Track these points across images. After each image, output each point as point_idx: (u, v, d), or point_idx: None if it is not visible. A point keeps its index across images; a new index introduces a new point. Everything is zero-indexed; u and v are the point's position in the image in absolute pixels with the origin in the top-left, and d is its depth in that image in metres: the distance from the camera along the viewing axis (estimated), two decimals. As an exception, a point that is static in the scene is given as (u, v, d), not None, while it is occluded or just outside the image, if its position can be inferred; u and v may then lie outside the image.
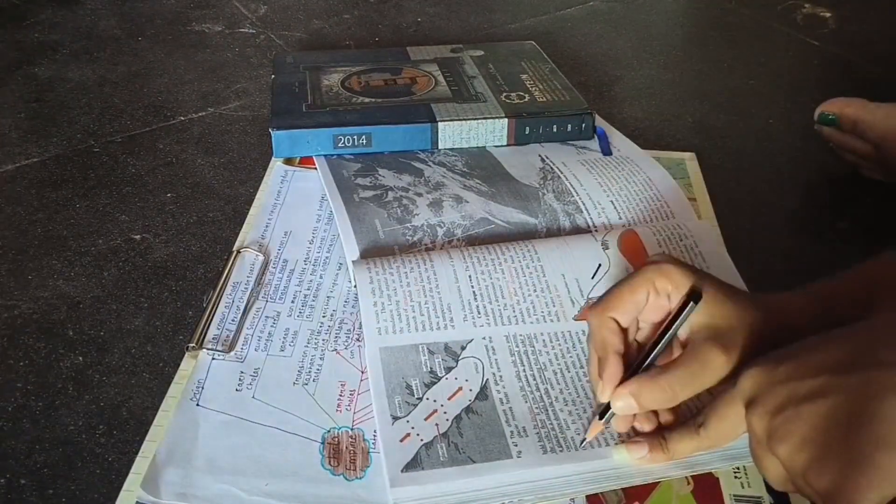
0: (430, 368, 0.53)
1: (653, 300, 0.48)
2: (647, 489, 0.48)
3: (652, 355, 0.48)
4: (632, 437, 0.49)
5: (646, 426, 0.49)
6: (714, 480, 0.48)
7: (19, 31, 1.02)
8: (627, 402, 0.47)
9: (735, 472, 0.49)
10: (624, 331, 0.49)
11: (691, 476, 0.49)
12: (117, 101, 0.88)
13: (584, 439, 0.49)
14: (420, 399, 0.51)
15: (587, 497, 0.47)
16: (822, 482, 0.37)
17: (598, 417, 0.48)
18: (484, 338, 0.55)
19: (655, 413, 0.49)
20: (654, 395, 0.46)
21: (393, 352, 0.54)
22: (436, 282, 0.58)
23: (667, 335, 0.47)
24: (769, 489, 0.48)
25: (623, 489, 0.48)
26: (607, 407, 0.48)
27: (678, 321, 0.47)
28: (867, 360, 0.38)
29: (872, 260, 0.48)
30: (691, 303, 0.46)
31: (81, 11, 1.08)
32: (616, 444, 0.49)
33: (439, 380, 0.52)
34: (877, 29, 1.06)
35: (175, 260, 0.66)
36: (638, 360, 0.48)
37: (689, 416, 0.49)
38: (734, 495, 0.48)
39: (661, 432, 0.48)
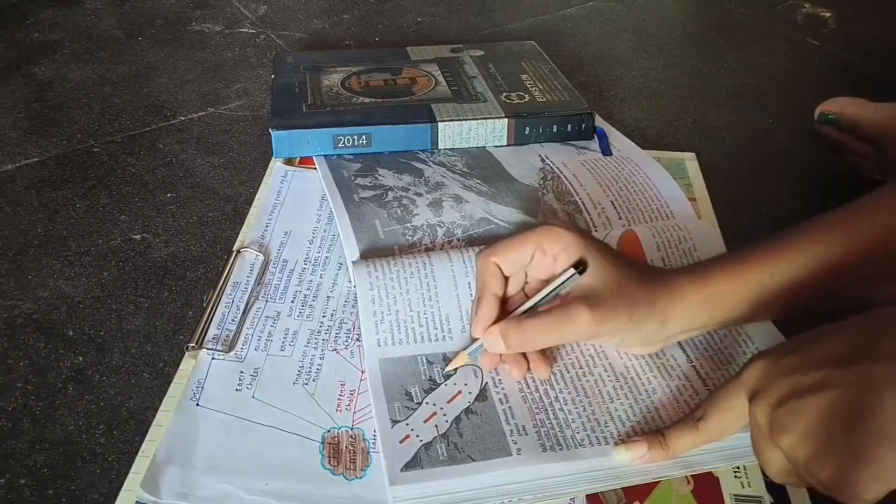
0: (430, 377, 0.53)
1: (538, 259, 0.52)
2: (647, 489, 0.48)
3: (526, 305, 0.52)
4: (632, 437, 0.49)
5: (514, 371, 0.53)
6: (714, 480, 0.48)
7: (19, 31, 1.02)
8: (494, 339, 0.51)
9: (735, 472, 0.49)
10: (506, 279, 0.53)
11: (691, 475, 0.49)
12: (117, 101, 0.88)
13: (450, 369, 0.53)
14: (419, 403, 0.51)
15: (587, 496, 0.47)
16: (824, 473, 0.37)
17: (466, 351, 0.53)
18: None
19: (526, 361, 0.53)
20: (518, 336, 0.51)
21: (392, 363, 0.54)
22: (435, 289, 0.58)
23: (543, 293, 0.52)
24: (769, 488, 0.48)
25: (623, 489, 0.48)
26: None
27: (556, 283, 0.51)
28: (869, 353, 0.38)
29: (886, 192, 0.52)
30: (574, 272, 0.51)
31: (81, 11, 1.08)
32: (615, 443, 0.49)
33: (438, 386, 0.52)
34: (877, 29, 1.06)
35: (175, 260, 0.66)
36: (516, 309, 0.53)
37: (687, 412, 0.49)
38: (734, 495, 0.48)
39: (659, 431, 0.48)
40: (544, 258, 0.52)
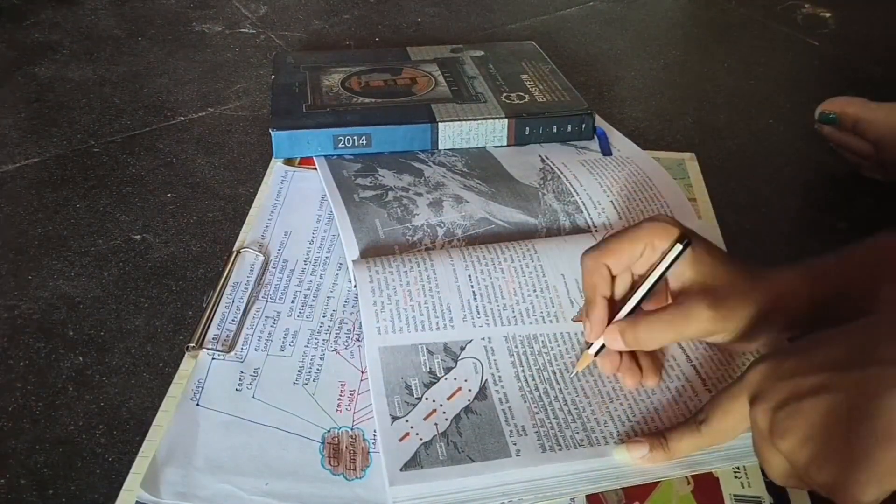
0: (430, 369, 0.53)
1: (648, 255, 0.51)
2: (647, 489, 0.48)
3: (637, 296, 0.51)
4: (632, 437, 0.49)
5: (628, 379, 0.52)
6: (714, 480, 0.48)
7: (19, 31, 1.02)
8: (614, 337, 0.50)
9: (735, 472, 0.49)
10: (614, 278, 0.52)
11: (691, 476, 0.48)
12: (117, 101, 0.88)
13: (576, 372, 0.53)
14: (419, 399, 0.51)
15: (587, 497, 0.47)
16: (823, 476, 0.37)
17: (588, 350, 0.52)
18: (483, 338, 0.55)
19: (640, 369, 0.52)
20: (637, 332, 0.50)
21: (392, 351, 0.54)
22: (435, 281, 0.58)
23: (651, 276, 0.50)
24: (769, 489, 0.48)
25: (623, 489, 0.48)
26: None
27: (666, 262, 0.50)
28: (868, 356, 0.38)
29: (872, 241, 0.50)
30: (678, 245, 0.49)
31: (81, 11, 1.08)
32: (616, 443, 0.49)
33: (438, 380, 0.52)
34: (877, 29, 1.06)
35: (175, 260, 0.66)
36: (626, 303, 0.51)
37: (689, 415, 0.50)
38: (734, 495, 0.48)
39: (661, 432, 0.48)
40: (653, 254, 0.51)
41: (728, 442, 0.47)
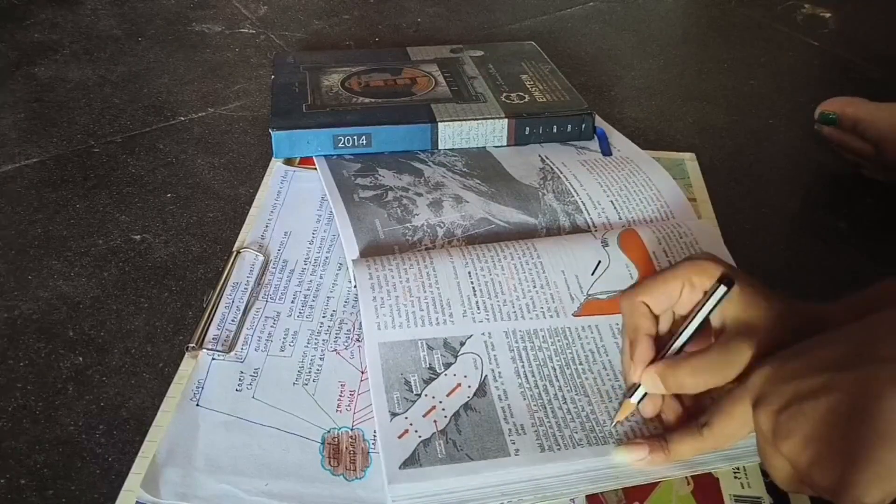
0: (429, 364, 0.53)
1: (687, 294, 0.49)
2: (647, 489, 0.48)
3: (681, 338, 0.49)
4: (643, 434, 0.49)
5: (671, 417, 0.50)
6: (714, 480, 0.48)
7: (19, 31, 1.02)
8: (653, 380, 0.48)
9: (735, 472, 0.49)
10: (656, 317, 0.50)
11: (691, 476, 0.49)
12: (117, 101, 0.88)
13: (617, 420, 0.50)
14: (419, 395, 0.51)
15: (587, 497, 0.47)
16: (826, 478, 0.37)
17: (628, 398, 0.49)
18: (483, 333, 0.55)
19: (682, 405, 0.50)
20: (679, 377, 0.47)
21: (392, 347, 0.54)
22: (435, 277, 0.58)
23: (694, 317, 0.48)
24: (769, 489, 0.48)
25: (623, 489, 0.48)
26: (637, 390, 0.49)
27: (706, 304, 0.48)
28: (867, 356, 0.38)
29: (884, 283, 0.48)
30: (722, 287, 0.47)
31: (81, 11, 1.08)
32: (615, 444, 0.49)
33: (438, 376, 0.52)
34: (877, 29, 1.06)
35: (175, 260, 0.66)
36: (668, 344, 0.49)
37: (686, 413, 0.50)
38: (734, 495, 0.48)
39: (662, 435, 0.48)
40: (693, 293, 0.49)
41: (731, 446, 0.47)
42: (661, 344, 0.50)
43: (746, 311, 0.47)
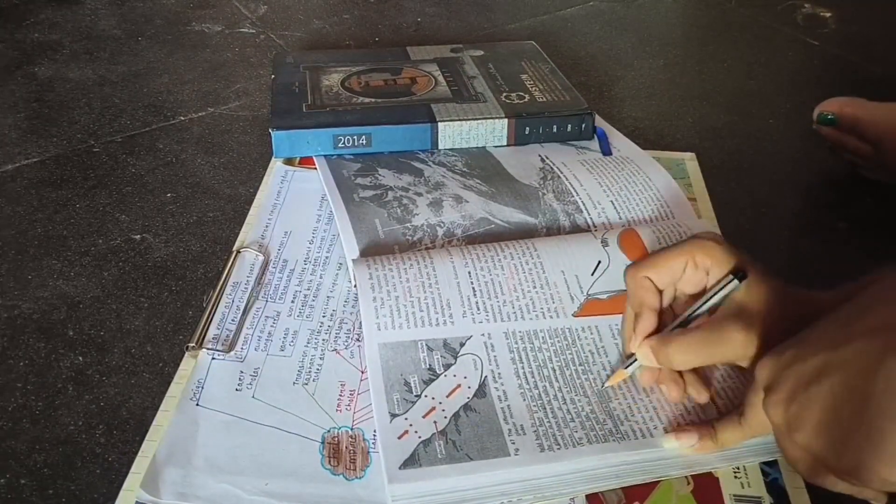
0: (429, 365, 0.53)
1: (690, 273, 0.50)
2: (647, 489, 0.48)
3: (681, 318, 0.51)
4: (678, 423, 0.50)
5: (672, 392, 0.51)
6: (714, 480, 0.48)
7: (19, 31, 1.02)
8: (646, 353, 0.50)
9: (735, 472, 0.49)
10: (660, 292, 0.52)
11: (691, 476, 0.49)
12: (117, 101, 0.88)
13: (608, 385, 0.52)
14: (418, 396, 0.51)
15: (587, 497, 0.48)
16: (845, 462, 0.36)
17: (623, 368, 0.52)
18: (483, 334, 0.55)
19: (683, 381, 0.51)
20: (668, 352, 0.49)
21: (392, 348, 0.54)
22: (435, 278, 0.58)
23: (701, 304, 0.50)
24: (769, 489, 0.48)
25: (623, 489, 0.48)
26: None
27: (715, 293, 0.49)
28: (857, 329, 0.37)
29: (881, 273, 0.48)
30: (735, 280, 0.48)
31: (81, 11, 1.08)
32: (666, 432, 0.49)
33: (438, 377, 0.52)
34: (877, 29, 1.06)
35: (175, 260, 0.66)
36: (670, 324, 0.51)
37: (687, 414, 0.50)
38: (734, 495, 0.48)
39: (710, 422, 0.49)
40: (696, 272, 0.50)
41: (769, 434, 0.46)
42: (662, 318, 0.52)
43: (746, 295, 0.48)
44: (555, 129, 0.77)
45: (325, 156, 0.74)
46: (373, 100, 0.79)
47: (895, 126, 0.70)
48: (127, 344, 0.58)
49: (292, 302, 0.61)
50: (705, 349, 0.48)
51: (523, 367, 0.53)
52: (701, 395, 0.51)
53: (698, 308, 0.50)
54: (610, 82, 0.93)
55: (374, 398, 0.51)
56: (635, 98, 0.90)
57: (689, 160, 0.78)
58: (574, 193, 0.69)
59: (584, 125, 0.77)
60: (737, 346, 0.47)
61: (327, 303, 0.61)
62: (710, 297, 0.49)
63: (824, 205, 0.75)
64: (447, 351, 0.54)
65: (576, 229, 0.66)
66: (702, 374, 0.52)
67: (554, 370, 0.53)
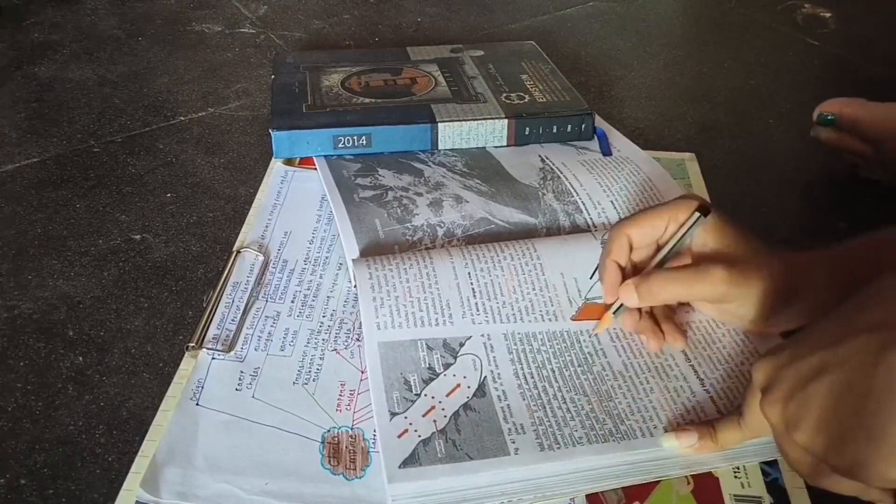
0: (429, 365, 0.53)
1: (672, 229, 0.54)
2: (647, 489, 0.48)
3: (657, 259, 0.54)
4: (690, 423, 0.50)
5: (651, 342, 0.55)
6: (714, 480, 0.48)
7: (19, 31, 1.02)
8: (628, 291, 0.53)
9: (735, 472, 0.49)
10: (632, 249, 0.55)
11: (691, 476, 0.49)
12: (117, 101, 0.88)
13: (597, 332, 0.56)
14: (418, 395, 0.51)
15: (587, 496, 0.48)
16: (845, 460, 0.36)
17: (609, 311, 0.55)
18: (482, 335, 0.55)
19: (662, 332, 0.55)
20: (651, 286, 0.52)
21: (391, 347, 0.54)
22: (435, 278, 0.58)
23: (670, 243, 0.53)
24: (769, 489, 0.48)
25: (623, 489, 0.48)
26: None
27: (683, 229, 0.53)
28: (856, 326, 0.37)
29: (872, 236, 0.50)
30: (697, 213, 0.52)
31: (81, 11, 1.08)
32: (666, 432, 0.49)
33: (437, 376, 0.52)
34: (877, 29, 1.06)
35: (175, 260, 0.66)
36: (648, 266, 0.55)
37: (686, 414, 0.50)
38: (734, 495, 0.48)
39: (710, 422, 0.49)
40: (677, 228, 0.53)
41: (769, 435, 0.46)
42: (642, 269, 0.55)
43: (724, 243, 0.52)
44: (555, 130, 0.77)
45: (325, 156, 0.74)
46: (373, 100, 0.79)
47: (895, 126, 0.70)
48: (127, 344, 0.58)
49: (292, 302, 0.61)
50: (687, 281, 0.51)
51: (522, 368, 0.53)
52: (677, 342, 0.54)
53: (670, 248, 0.53)
54: (610, 82, 0.93)
55: (373, 396, 0.51)
56: (635, 98, 0.90)
57: (689, 160, 0.78)
58: (574, 193, 0.69)
59: (584, 125, 0.77)
60: (717, 283, 0.50)
61: (327, 303, 0.61)
62: (680, 237, 0.53)
63: (824, 205, 0.75)
64: (447, 351, 0.54)
65: (576, 229, 0.66)
66: (679, 326, 0.56)
67: (553, 371, 0.53)
